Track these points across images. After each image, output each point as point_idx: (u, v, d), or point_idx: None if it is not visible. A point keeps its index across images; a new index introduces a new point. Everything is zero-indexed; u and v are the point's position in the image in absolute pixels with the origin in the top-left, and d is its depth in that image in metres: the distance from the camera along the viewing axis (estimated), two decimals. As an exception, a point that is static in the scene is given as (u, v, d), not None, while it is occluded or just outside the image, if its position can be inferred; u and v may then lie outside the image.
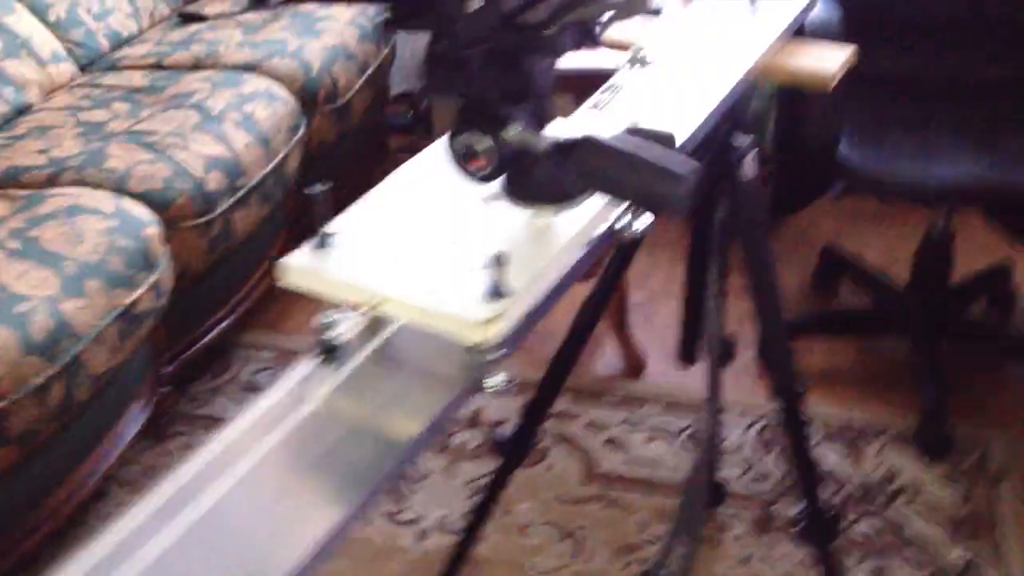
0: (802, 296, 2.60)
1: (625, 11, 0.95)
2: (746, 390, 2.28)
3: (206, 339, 2.30)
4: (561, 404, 2.27)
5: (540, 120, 0.97)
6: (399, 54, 3.18)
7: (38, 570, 1.92)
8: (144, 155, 2.20)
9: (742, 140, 1.46)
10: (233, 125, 2.35)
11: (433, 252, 0.94)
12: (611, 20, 0.97)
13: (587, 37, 0.96)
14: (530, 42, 0.92)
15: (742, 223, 1.51)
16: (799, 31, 1.51)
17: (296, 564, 0.75)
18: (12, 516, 1.83)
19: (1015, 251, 2.60)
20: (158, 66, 2.65)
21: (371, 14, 2.91)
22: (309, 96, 2.60)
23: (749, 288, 1.51)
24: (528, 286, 0.90)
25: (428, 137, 3.20)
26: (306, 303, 2.84)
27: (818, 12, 2.19)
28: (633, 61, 1.35)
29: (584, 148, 0.91)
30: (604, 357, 2.41)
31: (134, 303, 1.96)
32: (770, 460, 2.11)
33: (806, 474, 1.49)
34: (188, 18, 2.91)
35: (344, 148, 2.81)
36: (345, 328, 0.91)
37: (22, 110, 2.48)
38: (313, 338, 0.92)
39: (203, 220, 2.18)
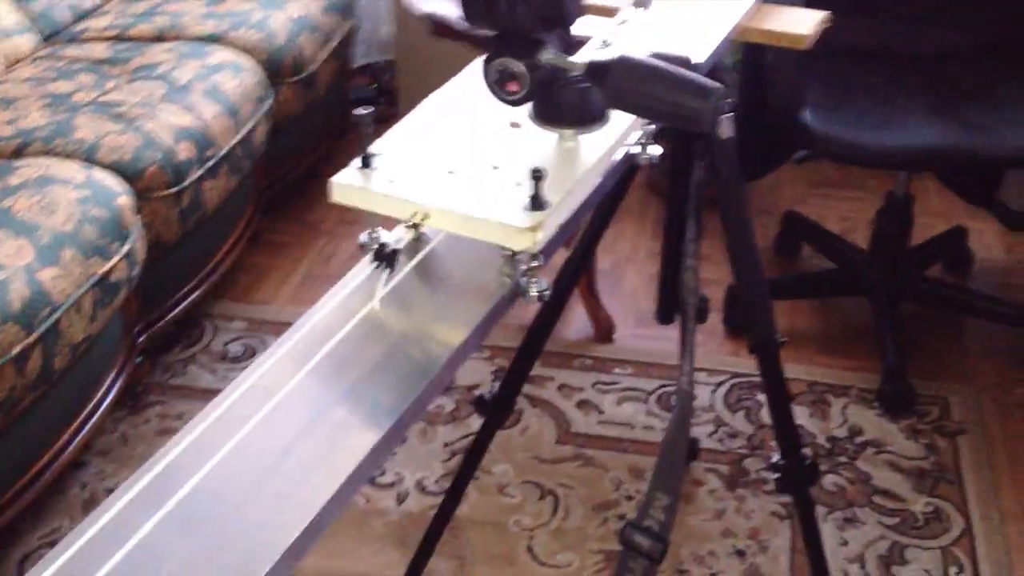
0: (766, 260, 2.65)
1: None
2: (713, 351, 2.33)
3: (178, 309, 2.30)
4: (533, 368, 2.29)
5: (568, 45, 1.03)
6: (362, 27, 3.18)
7: (18, 539, 1.93)
8: (113, 126, 2.19)
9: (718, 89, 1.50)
10: (201, 95, 2.35)
11: (471, 170, 1.00)
12: None
13: None
14: None
15: (720, 182, 1.54)
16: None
17: (364, 454, 0.80)
18: (-8, 485, 1.83)
19: (970, 216, 2.68)
20: (121, 38, 2.64)
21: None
22: (275, 67, 2.60)
23: (728, 246, 1.55)
24: (564, 198, 0.96)
25: (393, 109, 3.21)
26: (276, 273, 2.85)
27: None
28: (638, 3, 1.40)
29: (620, 66, 0.95)
30: (573, 322, 2.45)
31: (109, 272, 1.96)
32: (739, 418, 2.16)
33: (785, 423, 1.54)
34: (149, -10, 2.89)
35: (310, 120, 2.81)
36: (392, 239, 0.98)
37: (-16, 82, 2.46)
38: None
39: (174, 190, 2.18)
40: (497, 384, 1.85)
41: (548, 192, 0.94)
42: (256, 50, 2.58)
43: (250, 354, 2.34)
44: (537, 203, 0.93)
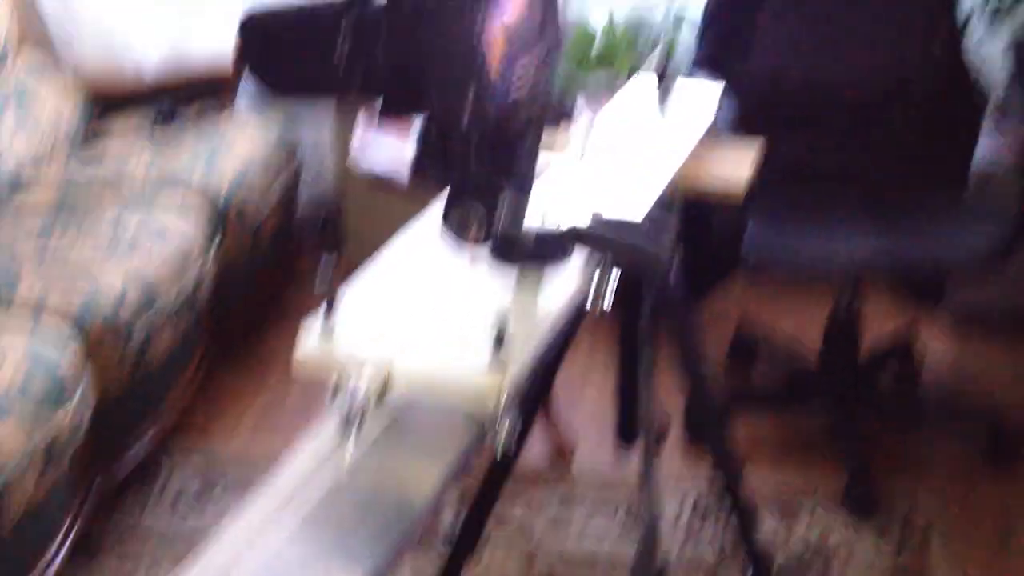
0: (720, 371, 2.66)
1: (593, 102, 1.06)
2: (677, 463, 2.32)
3: (132, 452, 2.27)
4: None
5: (525, 191, 1.07)
6: (306, 172, 3.22)
7: None
8: (59, 276, 2.18)
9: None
10: (147, 245, 2.36)
11: (433, 321, 1.01)
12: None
13: (563, 115, 1.07)
14: (517, 125, 1.01)
15: (668, 314, 1.56)
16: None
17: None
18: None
19: (920, 312, 2.72)
20: (68, 185, 2.65)
21: (281, 128, 2.96)
22: (220, 215, 2.62)
23: (680, 372, 1.56)
24: (526, 353, 0.97)
25: (339, 253, 3.21)
26: (232, 411, 2.80)
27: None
28: (573, 153, 1.43)
29: (570, 238, 1.01)
30: (533, 444, 2.43)
31: (56, 427, 1.92)
32: (708, 528, 2.14)
33: (750, 538, 1.53)
34: (95, 137, 2.91)
35: (256, 265, 2.81)
36: (355, 399, 0.96)
37: (-71, 237, 2.44)
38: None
39: (121, 341, 2.16)
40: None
41: (510, 347, 0.95)
42: (202, 197, 2.60)
43: (209, 492, 2.30)
44: (499, 361, 0.94)
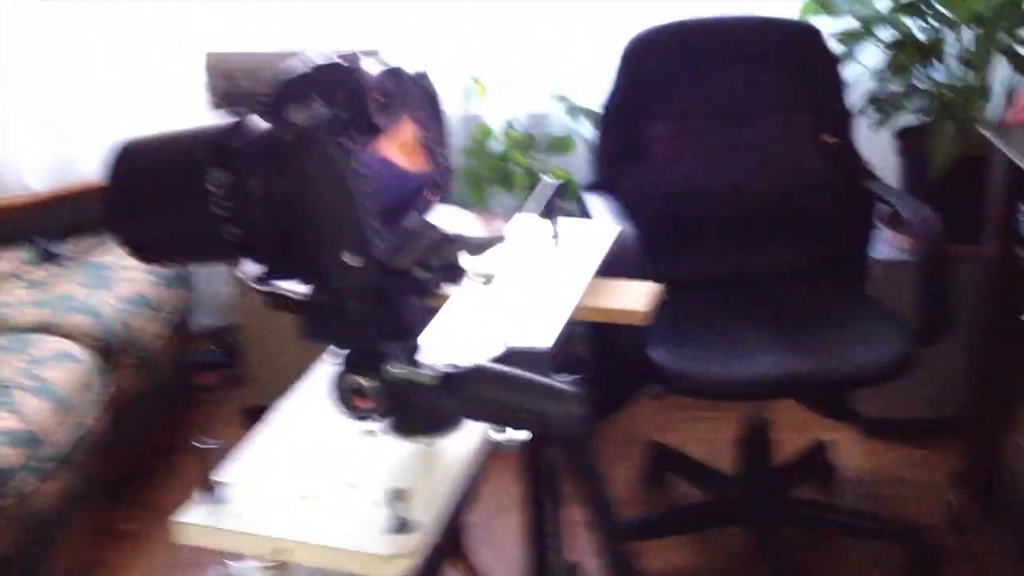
0: (633, 495, 2.60)
1: (479, 250, 1.02)
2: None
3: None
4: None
5: (413, 354, 1.01)
6: (199, 290, 3.11)
7: None
8: (-71, 439, 2.04)
9: (568, 380, 1.47)
10: (27, 393, 2.22)
11: (326, 492, 0.95)
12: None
13: (451, 273, 1.01)
14: (402, 285, 0.96)
15: (575, 462, 1.50)
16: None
17: None
18: None
19: (829, 425, 2.70)
20: (-61, 335, 2.50)
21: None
22: (108, 350, 2.49)
23: (591, 524, 1.50)
24: (432, 517, 0.92)
25: (238, 371, 3.10)
26: (123, 570, 2.61)
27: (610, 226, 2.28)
28: (476, 279, 1.37)
29: (475, 377, 0.94)
30: (447, 589, 2.33)
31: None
32: None
33: None
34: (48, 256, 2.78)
35: (151, 396, 2.69)
36: None
37: None
38: None
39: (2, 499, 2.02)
40: None
41: (413, 510, 0.90)
42: (86, 335, 2.48)
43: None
44: (401, 526, 0.89)
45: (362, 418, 0.97)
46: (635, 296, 1.53)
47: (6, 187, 3.13)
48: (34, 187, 3.09)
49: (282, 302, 2.36)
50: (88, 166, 2.97)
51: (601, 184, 2.52)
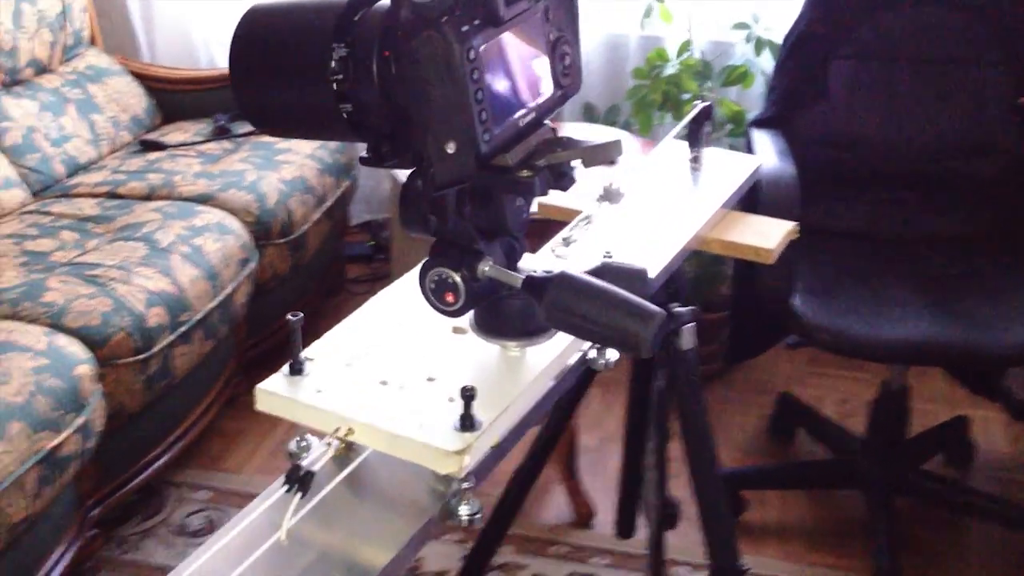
0: (757, 444, 2.54)
1: (594, 159, 0.95)
2: (695, 544, 2.20)
3: (139, 479, 2.23)
4: (506, 554, 2.19)
5: (512, 256, 1.00)
6: (361, 184, 3.17)
7: None
8: (84, 289, 2.16)
9: (681, 309, 1.43)
10: (180, 259, 2.32)
11: (404, 381, 0.96)
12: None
13: (561, 180, 0.97)
14: (504, 183, 0.93)
15: (679, 393, 1.46)
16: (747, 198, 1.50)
17: None
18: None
19: (974, 403, 2.56)
20: (112, 195, 2.63)
21: (332, 147, 2.90)
22: (262, 229, 2.57)
23: (686, 460, 1.46)
24: (497, 419, 0.91)
25: (387, 265, 3.17)
26: (249, 439, 2.75)
27: (772, 166, 2.19)
28: (605, 197, 1.35)
29: (557, 284, 0.91)
30: (552, 505, 2.34)
31: (59, 447, 1.89)
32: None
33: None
34: (149, 146, 2.90)
35: (298, 279, 2.77)
36: (316, 454, 0.92)
37: (-33, 237, 2.44)
38: (284, 463, 0.91)
39: (140, 357, 2.13)
40: None
41: (482, 410, 0.90)
42: (245, 212, 2.56)
43: (210, 528, 2.24)
44: (467, 423, 0.88)
45: (449, 313, 0.96)
46: (766, 232, 1.46)
47: (196, 63, 3.25)
48: (221, 65, 3.19)
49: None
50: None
51: (771, 120, 2.42)
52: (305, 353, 0.98)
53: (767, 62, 2.74)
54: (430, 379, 0.96)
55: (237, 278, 2.43)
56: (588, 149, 0.94)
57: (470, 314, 1.01)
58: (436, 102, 0.86)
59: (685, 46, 2.78)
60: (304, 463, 0.91)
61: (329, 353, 0.99)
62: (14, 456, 1.80)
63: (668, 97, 2.76)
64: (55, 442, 1.88)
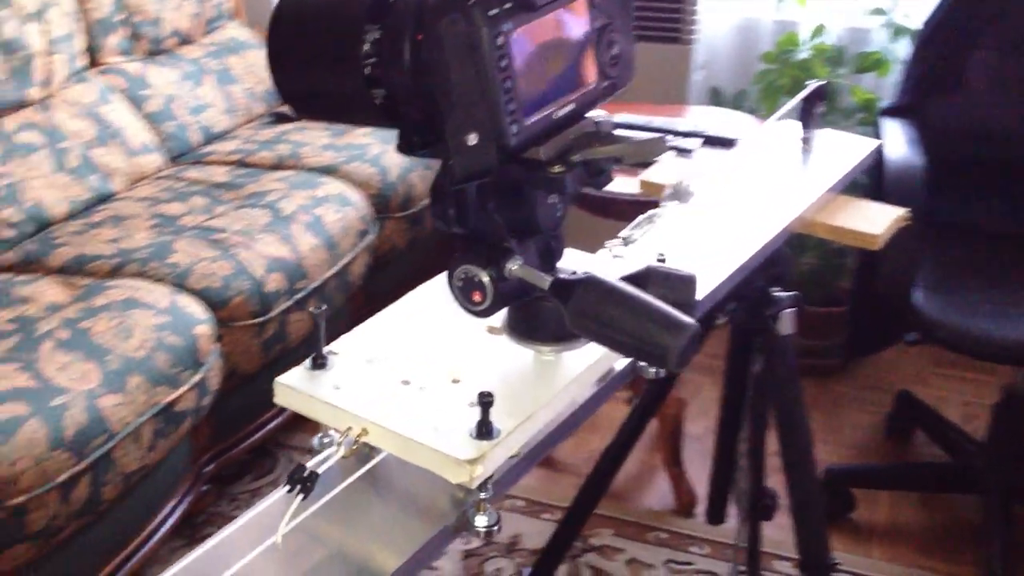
0: (872, 443, 2.47)
1: (637, 156, 0.88)
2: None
3: (252, 439, 2.30)
4: (604, 537, 2.19)
5: (547, 256, 0.94)
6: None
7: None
8: (208, 252, 2.23)
9: (781, 294, 1.40)
10: (301, 227, 2.38)
11: (427, 382, 0.92)
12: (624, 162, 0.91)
13: (597, 177, 0.91)
14: (531, 178, 0.88)
15: (776, 380, 1.44)
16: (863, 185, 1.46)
17: None
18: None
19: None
20: (242, 163, 2.71)
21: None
22: (383, 202, 2.61)
23: (780, 450, 1.43)
24: (518, 427, 0.86)
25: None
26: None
27: (899, 155, 2.13)
28: (674, 195, 1.31)
29: (584, 287, 0.86)
30: (655, 491, 2.33)
31: (175, 401, 1.97)
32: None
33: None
34: (280, 118, 2.97)
35: (415, 254, 2.81)
36: (329, 452, 0.87)
37: (105, 197, 2.55)
38: (303, 458, 0.88)
39: (258, 321, 2.19)
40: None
41: (503, 417, 0.85)
42: (367, 184, 2.61)
43: (318, 491, 2.30)
44: (484, 431, 0.84)
45: (476, 313, 0.91)
46: (873, 218, 1.42)
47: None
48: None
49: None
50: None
51: (903, 109, 2.35)
52: (331, 347, 0.94)
53: (904, 50, 2.65)
54: (455, 381, 0.91)
55: (355, 249, 2.48)
56: (627, 146, 0.88)
57: (504, 315, 0.96)
58: (458, 89, 0.81)
59: (819, 31, 2.71)
60: (313, 462, 0.87)
61: (355, 348, 0.95)
62: (132, 408, 1.87)
63: (797, 83, 2.70)
64: (171, 397, 1.96)
